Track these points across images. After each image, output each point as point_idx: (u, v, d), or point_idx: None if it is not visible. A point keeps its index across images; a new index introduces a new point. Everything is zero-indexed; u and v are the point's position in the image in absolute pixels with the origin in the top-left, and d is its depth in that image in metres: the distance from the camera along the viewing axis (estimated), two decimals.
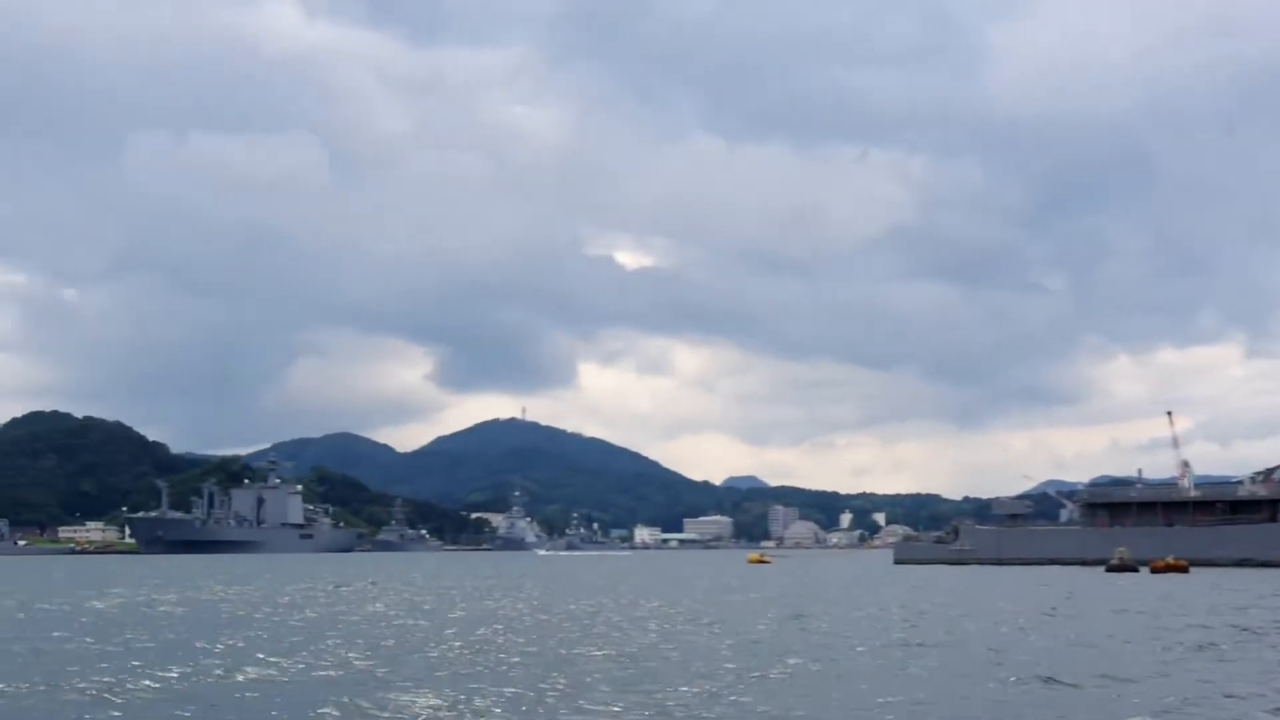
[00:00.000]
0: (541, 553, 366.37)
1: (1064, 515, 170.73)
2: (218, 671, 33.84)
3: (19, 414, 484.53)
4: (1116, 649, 40.55)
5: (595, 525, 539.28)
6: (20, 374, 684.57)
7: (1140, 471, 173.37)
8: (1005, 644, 42.15)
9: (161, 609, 68.14)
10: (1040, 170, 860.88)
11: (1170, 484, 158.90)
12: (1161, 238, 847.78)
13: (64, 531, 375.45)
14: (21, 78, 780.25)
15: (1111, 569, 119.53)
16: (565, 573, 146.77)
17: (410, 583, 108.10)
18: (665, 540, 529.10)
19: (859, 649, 40.11)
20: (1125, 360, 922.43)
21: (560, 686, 29.60)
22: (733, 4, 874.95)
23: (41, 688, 30.28)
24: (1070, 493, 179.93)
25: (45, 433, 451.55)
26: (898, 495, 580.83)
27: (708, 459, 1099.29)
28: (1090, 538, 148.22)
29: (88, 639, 46.09)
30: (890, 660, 36.62)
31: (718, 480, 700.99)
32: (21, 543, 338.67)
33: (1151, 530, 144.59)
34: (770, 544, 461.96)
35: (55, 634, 49.06)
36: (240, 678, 32.23)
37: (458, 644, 41.73)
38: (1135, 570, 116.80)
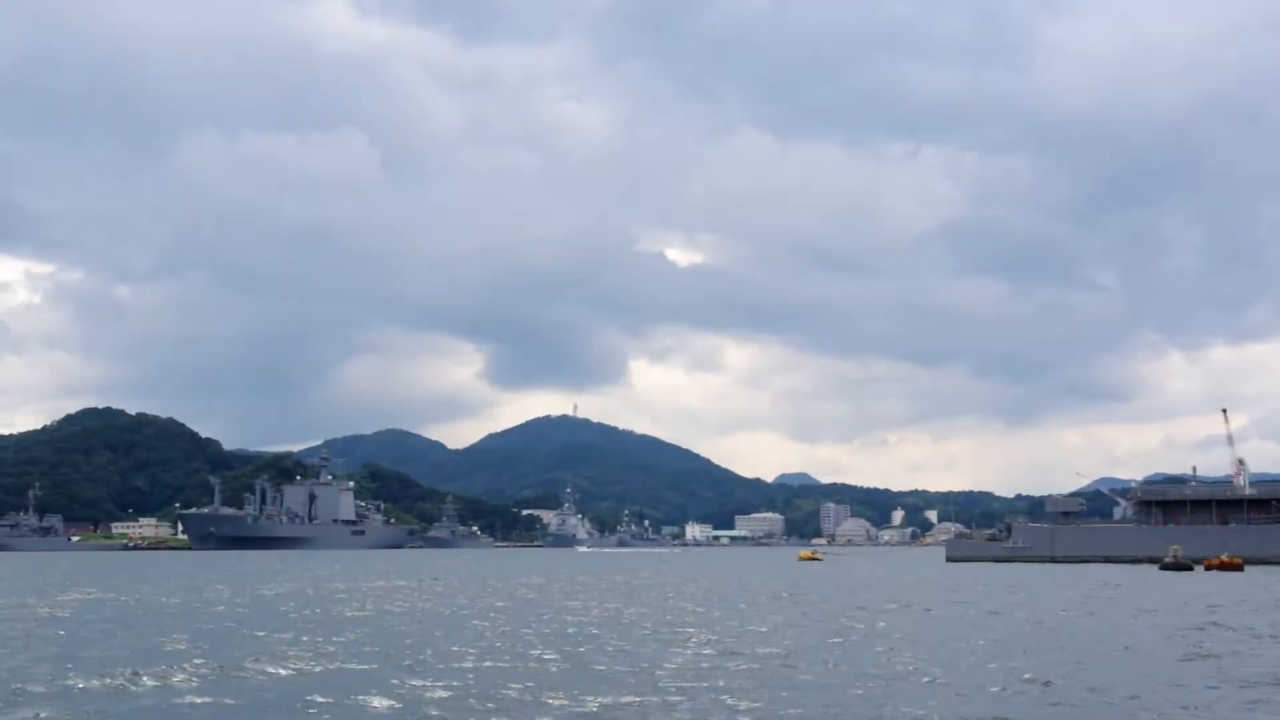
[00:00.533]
0: (581, 550, 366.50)
1: (1117, 513, 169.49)
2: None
3: (73, 410, 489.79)
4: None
5: (646, 522, 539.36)
6: (74, 371, 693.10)
7: (1194, 469, 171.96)
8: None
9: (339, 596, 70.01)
10: (1093, 165, 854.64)
11: (1225, 482, 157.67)
12: (1215, 233, 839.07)
13: (117, 528, 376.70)
14: (76, 76, 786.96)
15: (1165, 567, 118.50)
16: (646, 568, 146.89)
17: (490, 578, 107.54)
18: (716, 537, 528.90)
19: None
20: (1178, 357, 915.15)
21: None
22: (784, 1, 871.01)
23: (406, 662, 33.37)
24: (1124, 490, 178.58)
25: (99, 429, 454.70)
26: (950, 492, 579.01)
27: (758, 456, 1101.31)
28: (1144, 535, 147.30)
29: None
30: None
31: (769, 477, 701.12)
32: (75, 539, 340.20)
33: (1206, 528, 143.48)
34: (822, 541, 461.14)
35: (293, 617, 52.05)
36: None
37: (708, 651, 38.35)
38: (1190, 569, 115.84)
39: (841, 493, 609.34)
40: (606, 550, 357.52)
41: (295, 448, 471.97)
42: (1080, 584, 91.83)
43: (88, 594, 76.46)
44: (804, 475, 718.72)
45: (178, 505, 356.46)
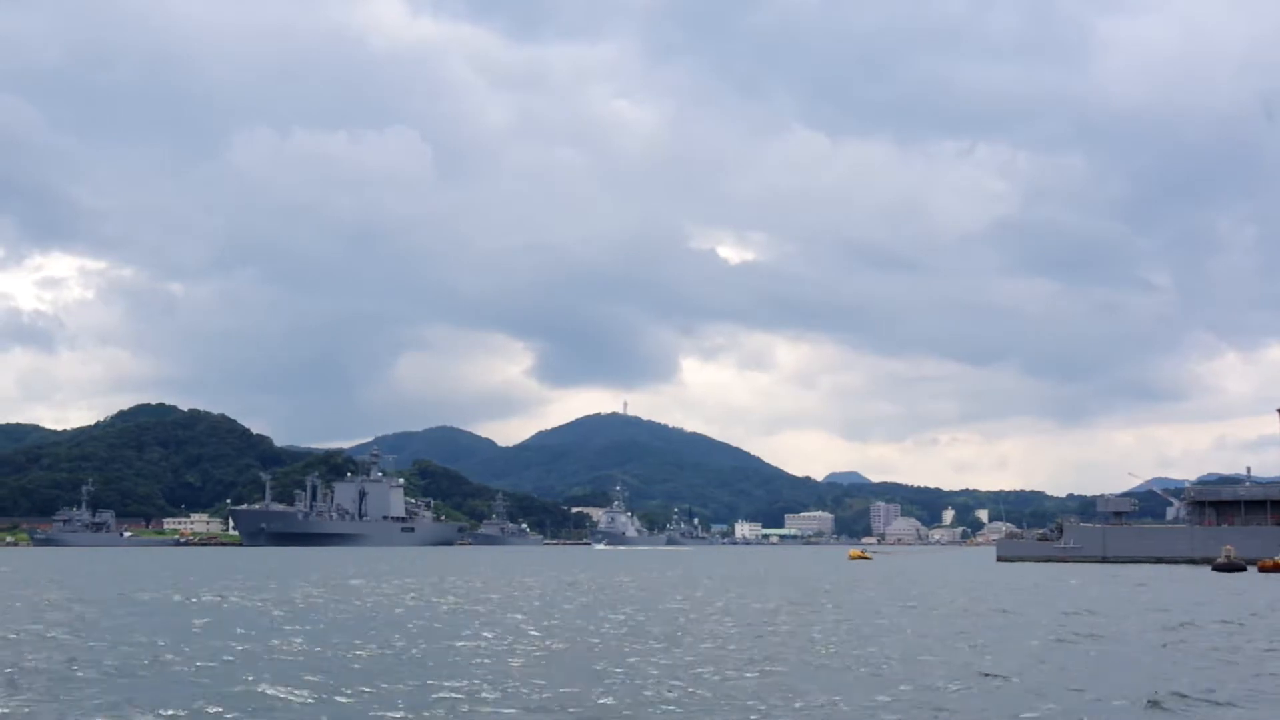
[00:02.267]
0: (599, 547, 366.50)
1: (1170, 513, 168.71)
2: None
3: (126, 407, 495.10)
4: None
5: (695, 520, 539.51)
6: (127, 367, 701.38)
7: (1249, 470, 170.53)
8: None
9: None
10: (1146, 164, 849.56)
11: (1279, 482, 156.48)
12: (1270, 232, 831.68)
13: (169, 523, 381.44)
14: (129, 73, 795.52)
15: (1218, 568, 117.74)
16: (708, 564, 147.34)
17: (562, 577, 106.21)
18: (766, 535, 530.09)
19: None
20: (1233, 356, 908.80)
21: None
22: None
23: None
24: (1177, 491, 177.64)
25: (151, 425, 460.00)
26: (1001, 492, 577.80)
27: (808, 454, 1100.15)
28: (1197, 536, 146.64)
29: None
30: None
31: (819, 476, 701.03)
32: (127, 534, 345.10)
33: (1260, 529, 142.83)
34: (871, 540, 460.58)
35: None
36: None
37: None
38: (1243, 569, 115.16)
39: (892, 492, 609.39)
40: (651, 548, 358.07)
41: (346, 444, 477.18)
42: (1124, 580, 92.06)
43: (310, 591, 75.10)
44: (854, 474, 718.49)
45: (229, 501, 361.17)
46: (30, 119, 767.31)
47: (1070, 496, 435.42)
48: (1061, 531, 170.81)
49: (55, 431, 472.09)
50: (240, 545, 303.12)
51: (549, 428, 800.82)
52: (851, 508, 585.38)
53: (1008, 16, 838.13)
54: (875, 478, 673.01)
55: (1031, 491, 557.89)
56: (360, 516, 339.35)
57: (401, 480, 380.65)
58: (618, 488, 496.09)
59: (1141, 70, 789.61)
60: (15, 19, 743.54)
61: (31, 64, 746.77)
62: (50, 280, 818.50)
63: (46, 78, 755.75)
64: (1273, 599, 70.86)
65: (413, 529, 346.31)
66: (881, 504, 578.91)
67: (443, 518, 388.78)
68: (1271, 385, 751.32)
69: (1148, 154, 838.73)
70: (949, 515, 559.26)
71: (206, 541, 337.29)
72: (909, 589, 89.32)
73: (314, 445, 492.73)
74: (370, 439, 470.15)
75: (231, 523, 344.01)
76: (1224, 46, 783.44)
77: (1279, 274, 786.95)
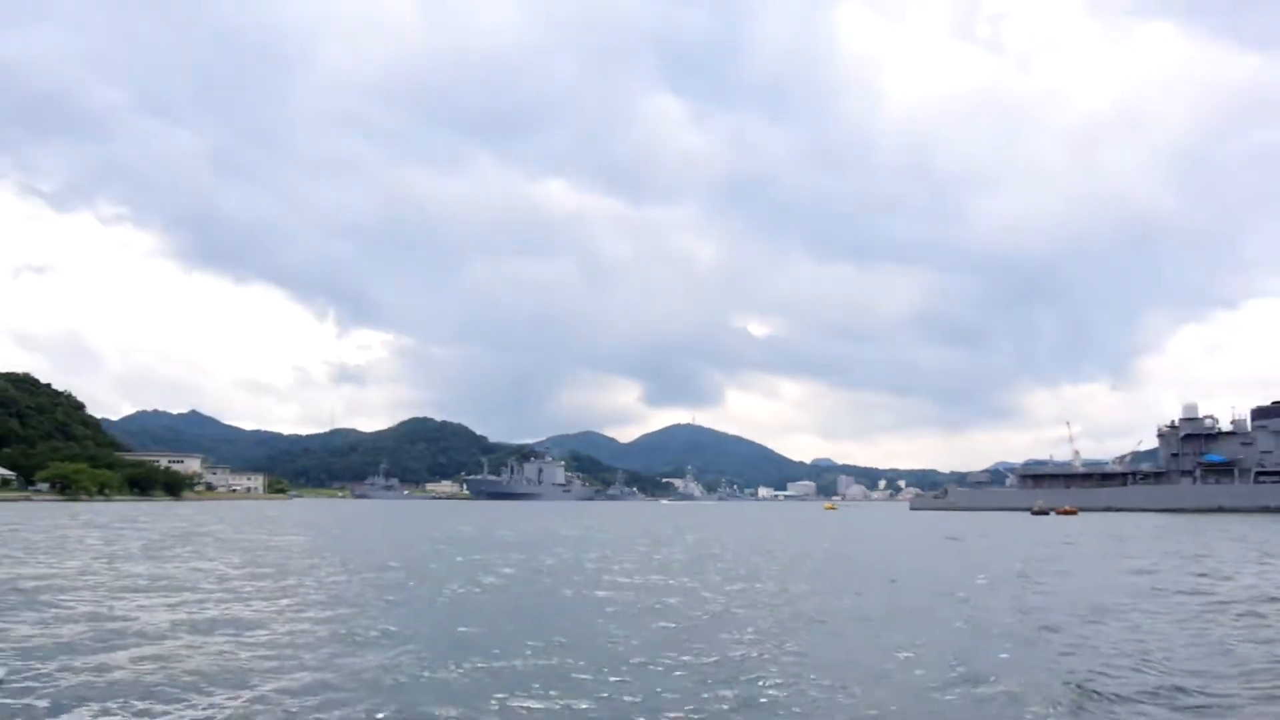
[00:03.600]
0: (665, 502, 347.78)
1: (1008, 482, 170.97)
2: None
3: (404, 419, 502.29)
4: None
5: (735, 485, 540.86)
6: (406, 395, 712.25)
7: (1051, 457, 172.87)
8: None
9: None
10: (997, 281, 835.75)
11: (1068, 464, 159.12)
12: (1064, 322, 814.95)
13: (429, 487, 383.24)
14: (408, 226, 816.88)
15: (1035, 513, 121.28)
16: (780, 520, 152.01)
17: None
18: (776, 495, 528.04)
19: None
20: (1043, 392, 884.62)
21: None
22: (825, 179, 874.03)
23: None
24: (1012, 469, 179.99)
25: (420, 429, 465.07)
26: (913, 470, 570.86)
27: (803, 448, 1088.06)
28: (1023, 494, 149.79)
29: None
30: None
31: (808, 460, 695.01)
32: (405, 493, 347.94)
33: (1057, 490, 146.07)
34: (838, 498, 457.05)
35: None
36: None
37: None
38: (1047, 514, 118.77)
39: (850, 470, 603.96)
40: (709, 502, 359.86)
41: (530, 441, 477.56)
42: (979, 518, 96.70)
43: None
44: (829, 460, 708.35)
45: (463, 473, 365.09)
46: (352, 257, 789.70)
47: (952, 473, 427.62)
48: (947, 493, 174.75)
49: (365, 433, 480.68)
50: (470, 500, 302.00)
51: (650, 431, 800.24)
52: (826, 479, 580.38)
53: (919, 196, 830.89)
54: (840, 461, 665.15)
55: (930, 469, 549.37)
56: (539, 483, 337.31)
57: (563, 462, 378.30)
58: (689, 467, 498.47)
59: (996, 229, 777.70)
60: (338, 194, 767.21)
61: (357, 223, 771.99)
62: (364, 345, 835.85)
63: (365, 230, 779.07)
64: (1060, 528, 75.97)
65: (569, 491, 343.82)
66: (843, 477, 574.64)
67: (586, 484, 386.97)
68: (1063, 409, 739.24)
69: (997, 276, 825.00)
70: (883, 484, 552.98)
71: (451, 497, 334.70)
72: (859, 523, 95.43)
73: (513, 441, 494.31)
74: (545, 438, 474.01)
75: (465, 487, 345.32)
76: (1045, 211, 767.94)
77: (1068, 346, 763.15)
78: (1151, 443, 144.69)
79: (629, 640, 16.13)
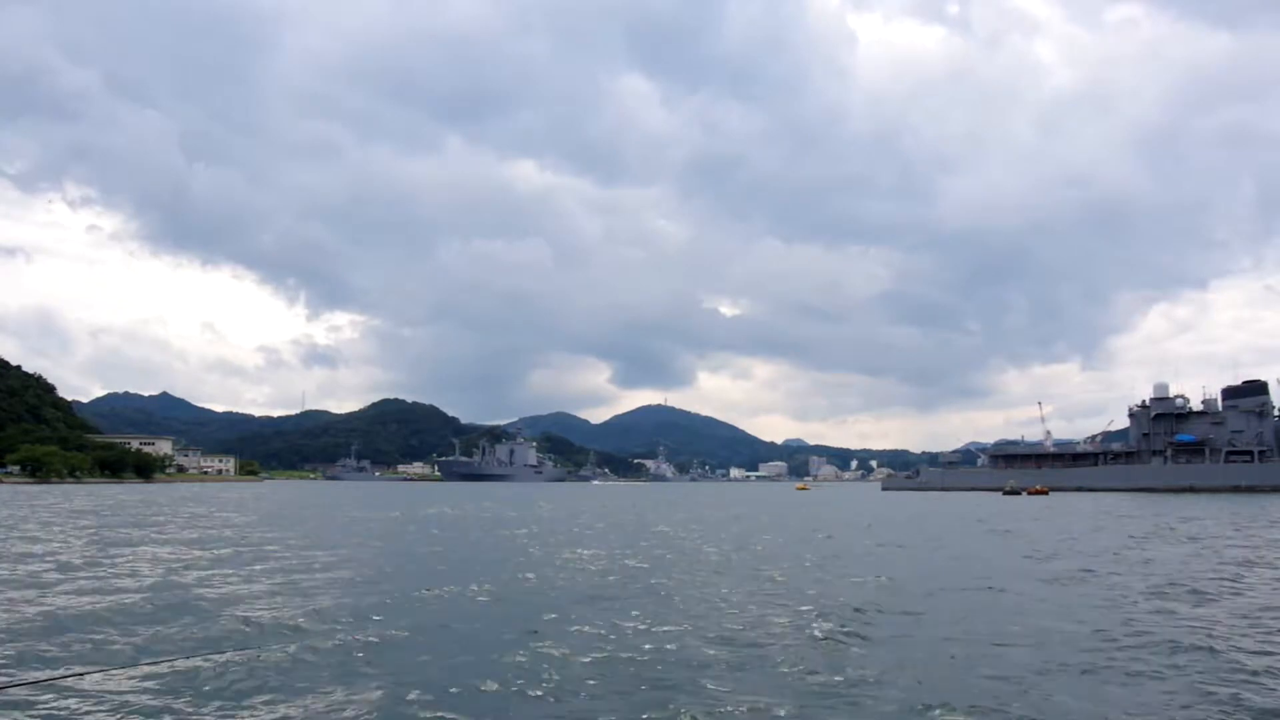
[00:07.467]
0: (595, 483, 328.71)
1: (979, 462, 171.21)
2: None
3: (375, 399, 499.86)
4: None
5: (706, 466, 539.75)
6: (377, 376, 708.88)
7: (1023, 437, 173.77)
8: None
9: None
10: (966, 260, 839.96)
11: (1039, 444, 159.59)
12: (1034, 301, 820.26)
13: (400, 468, 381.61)
14: (379, 210, 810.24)
15: (1006, 493, 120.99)
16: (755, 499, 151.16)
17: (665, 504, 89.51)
18: (748, 476, 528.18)
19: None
20: (1013, 372, 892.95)
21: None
22: (794, 159, 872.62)
23: None
24: (983, 449, 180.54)
25: (391, 411, 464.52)
26: (884, 450, 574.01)
27: (774, 429, 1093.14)
28: (994, 475, 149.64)
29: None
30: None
31: (779, 441, 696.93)
32: (377, 475, 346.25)
33: (1028, 470, 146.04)
34: (810, 479, 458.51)
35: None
36: None
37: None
38: (1019, 494, 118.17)
39: (821, 450, 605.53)
40: (680, 483, 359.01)
41: (502, 422, 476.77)
42: (953, 498, 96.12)
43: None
44: (800, 440, 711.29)
45: (434, 455, 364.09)
46: (325, 237, 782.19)
47: (924, 453, 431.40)
48: (918, 473, 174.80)
49: (337, 414, 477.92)
50: (441, 481, 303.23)
51: (621, 412, 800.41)
52: (798, 459, 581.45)
53: (888, 176, 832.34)
54: (812, 442, 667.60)
55: (902, 450, 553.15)
56: (510, 464, 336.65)
57: (534, 443, 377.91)
58: (660, 448, 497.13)
59: (965, 208, 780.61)
60: (316, 177, 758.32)
61: (327, 204, 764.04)
62: (334, 327, 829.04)
63: (335, 211, 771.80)
64: (1029, 506, 75.85)
65: (540, 472, 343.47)
66: (815, 457, 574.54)
67: (557, 465, 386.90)
68: (1035, 389, 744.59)
69: (967, 255, 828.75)
70: (854, 464, 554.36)
71: (421, 479, 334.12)
72: (829, 502, 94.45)
73: (484, 422, 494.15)
74: (516, 419, 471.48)
75: (436, 469, 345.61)
76: (1015, 190, 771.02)
77: (1039, 326, 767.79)
78: (1123, 423, 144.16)
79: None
